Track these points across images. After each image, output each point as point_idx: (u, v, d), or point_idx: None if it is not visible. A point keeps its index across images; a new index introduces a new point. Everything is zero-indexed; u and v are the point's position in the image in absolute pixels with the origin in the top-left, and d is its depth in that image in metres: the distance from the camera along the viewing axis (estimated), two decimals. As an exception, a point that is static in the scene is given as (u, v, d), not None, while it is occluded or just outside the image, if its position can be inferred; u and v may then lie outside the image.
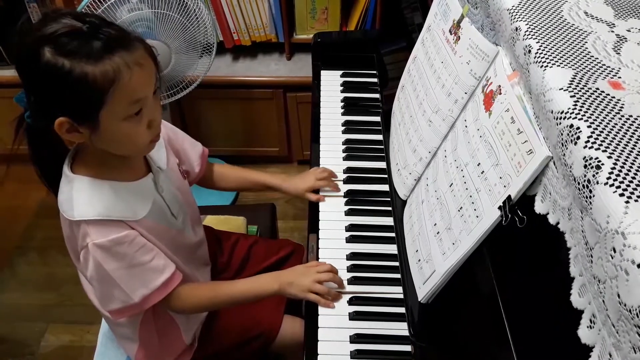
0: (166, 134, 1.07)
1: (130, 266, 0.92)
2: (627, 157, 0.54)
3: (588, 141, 0.56)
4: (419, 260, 0.97)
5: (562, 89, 0.63)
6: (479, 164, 0.82)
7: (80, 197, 0.89)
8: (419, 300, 0.94)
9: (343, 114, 1.45)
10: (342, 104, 1.47)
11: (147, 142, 0.89)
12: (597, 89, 0.63)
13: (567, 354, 0.58)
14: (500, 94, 0.80)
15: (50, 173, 0.93)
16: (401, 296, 1.04)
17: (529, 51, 0.70)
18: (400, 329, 1.01)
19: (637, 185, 0.51)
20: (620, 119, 0.59)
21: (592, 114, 0.59)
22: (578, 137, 0.57)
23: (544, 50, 0.69)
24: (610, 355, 0.50)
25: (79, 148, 0.92)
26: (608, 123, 0.58)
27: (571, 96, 0.61)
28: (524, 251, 0.74)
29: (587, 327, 0.55)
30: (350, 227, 1.18)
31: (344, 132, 1.40)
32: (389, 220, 1.19)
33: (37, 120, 0.85)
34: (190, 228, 1.11)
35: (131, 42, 0.81)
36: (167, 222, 1.02)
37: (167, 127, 1.09)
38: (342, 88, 1.52)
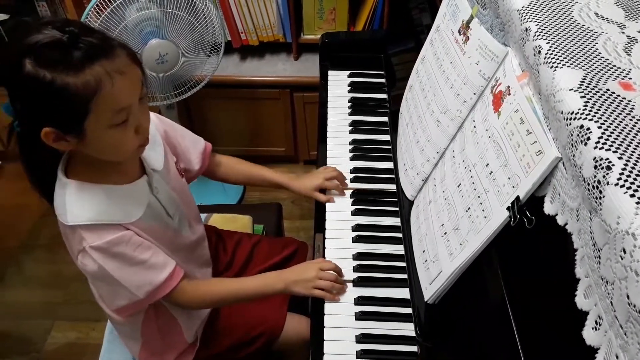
0: (163, 130, 1.06)
1: (131, 265, 0.93)
2: (638, 157, 0.54)
3: (598, 142, 0.56)
4: (426, 260, 0.97)
5: (572, 89, 0.63)
6: (488, 164, 0.82)
7: (73, 201, 0.88)
8: (426, 300, 0.94)
9: (350, 114, 1.45)
10: (350, 104, 1.47)
11: (135, 148, 0.88)
12: (608, 89, 0.63)
13: (574, 355, 0.58)
14: (509, 94, 0.79)
15: (44, 178, 0.93)
16: (407, 296, 1.04)
17: (539, 52, 0.70)
18: (407, 329, 1.01)
19: (647, 186, 0.51)
20: (630, 120, 0.59)
21: (602, 115, 0.59)
22: (588, 138, 0.57)
23: (554, 51, 0.69)
24: (617, 357, 0.50)
25: (72, 152, 0.91)
26: (619, 124, 0.58)
27: (581, 97, 0.61)
28: (532, 252, 0.74)
29: (593, 328, 0.54)
30: (357, 227, 1.18)
31: (351, 132, 1.40)
32: (395, 221, 1.19)
33: (24, 129, 0.85)
34: (188, 227, 1.11)
35: (113, 49, 0.80)
36: (163, 222, 1.01)
37: (165, 123, 1.09)
38: (349, 88, 1.52)
